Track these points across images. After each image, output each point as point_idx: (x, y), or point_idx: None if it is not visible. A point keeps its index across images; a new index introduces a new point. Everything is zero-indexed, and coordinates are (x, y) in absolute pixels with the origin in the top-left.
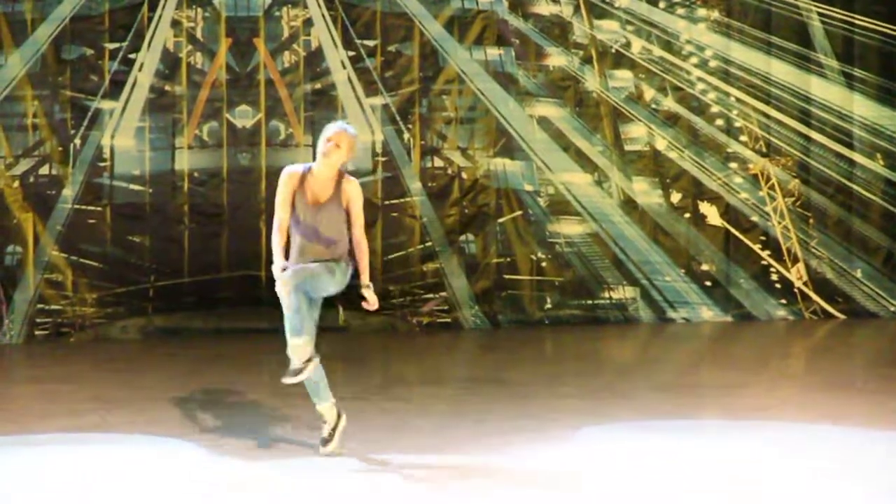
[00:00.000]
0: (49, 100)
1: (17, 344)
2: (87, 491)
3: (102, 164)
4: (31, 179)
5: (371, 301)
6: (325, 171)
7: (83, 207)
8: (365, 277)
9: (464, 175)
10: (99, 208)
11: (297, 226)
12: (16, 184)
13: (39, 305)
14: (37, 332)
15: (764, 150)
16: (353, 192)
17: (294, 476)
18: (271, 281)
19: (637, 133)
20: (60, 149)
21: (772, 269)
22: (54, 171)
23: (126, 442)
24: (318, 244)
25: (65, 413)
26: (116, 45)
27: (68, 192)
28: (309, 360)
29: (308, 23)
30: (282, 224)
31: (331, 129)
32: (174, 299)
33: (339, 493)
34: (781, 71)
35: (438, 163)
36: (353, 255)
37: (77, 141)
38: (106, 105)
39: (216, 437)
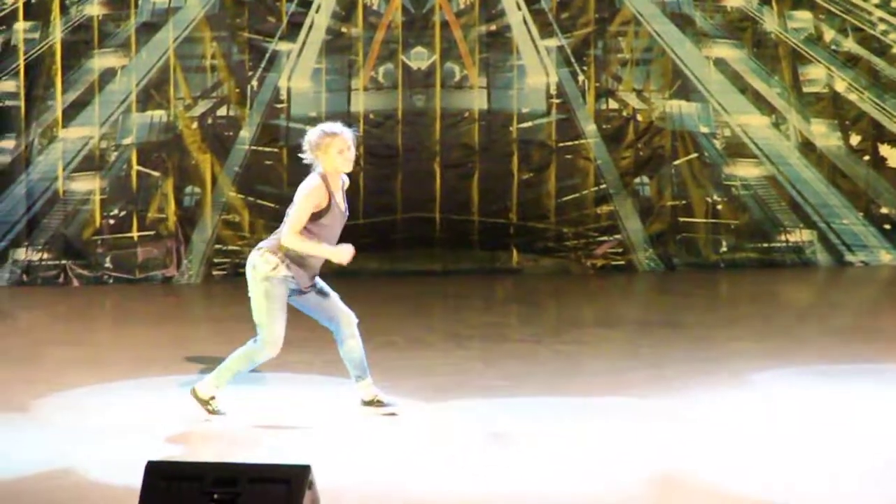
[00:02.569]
0: (227, 41)
1: (196, 284)
2: (264, 426)
3: (279, 106)
4: (210, 121)
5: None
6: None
7: (260, 149)
8: None
9: (638, 117)
10: (276, 150)
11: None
12: (194, 125)
13: (217, 246)
14: (214, 273)
15: None
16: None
17: (464, 416)
18: (444, 223)
19: (816, 75)
20: (238, 90)
21: None
22: (232, 113)
23: (302, 382)
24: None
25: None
26: None
27: (245, 134)
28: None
29: None
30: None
31: (345, 137)
32: (350, 240)
33: (511, 432)
34: None
35: (613, 105)
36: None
37: (254, 83)
38: (283, 47)
39: (390, 378)
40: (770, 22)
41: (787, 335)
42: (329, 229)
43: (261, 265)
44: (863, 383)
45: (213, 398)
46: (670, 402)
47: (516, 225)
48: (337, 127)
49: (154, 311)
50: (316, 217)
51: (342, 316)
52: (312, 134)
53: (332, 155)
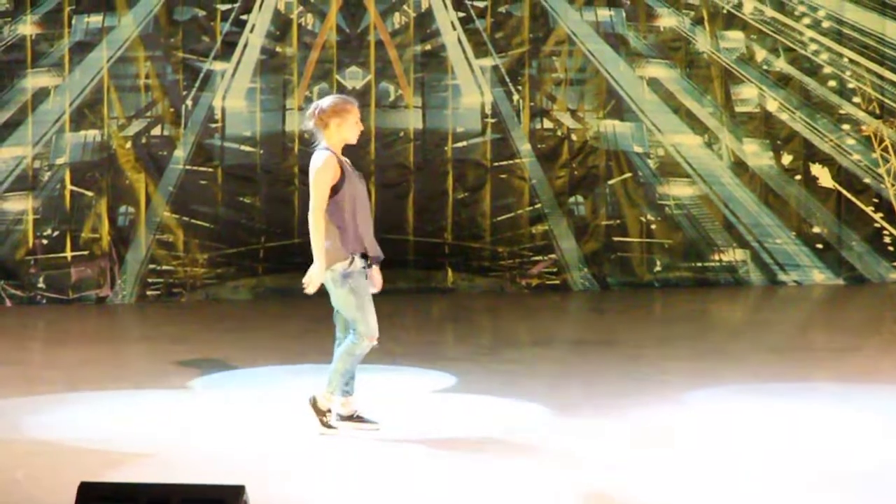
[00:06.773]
0: (161, 61)
1: (129, 304)
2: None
3: (214, 126)
4: (144, 140)
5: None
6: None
7: (194, 168)
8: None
9: (573, 137)
10: (210, 169)
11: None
12: (128, 144)
13: (151, 266)
14: (148, 293)
15: (877, 111)
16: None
17: (399, 433)
18: (379, 242)
19: (748, 94)
20: (172, 110)
21: (884, 232)
22: (166, 132)
23: (239, 401)
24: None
25: (176, 372)
26: (228, 6)
27: (180, 153)
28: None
29: None
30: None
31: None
32: (284, 260)
33: (446, 448)
34: None
35: (548, 124)
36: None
37: (189, 102)
38: (217, 66)
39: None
40: (702, 42)
41: (721, 354)
42: (355, 198)
43: (336, 266)
44: (795, 401)
45: (329, 411)
46: (604, 421)
47: (451, 244)
48: (350, 98)
49: (87, 330)
50: (336, 190)
51: None
52: (327, 101)
53: (349, 123)
